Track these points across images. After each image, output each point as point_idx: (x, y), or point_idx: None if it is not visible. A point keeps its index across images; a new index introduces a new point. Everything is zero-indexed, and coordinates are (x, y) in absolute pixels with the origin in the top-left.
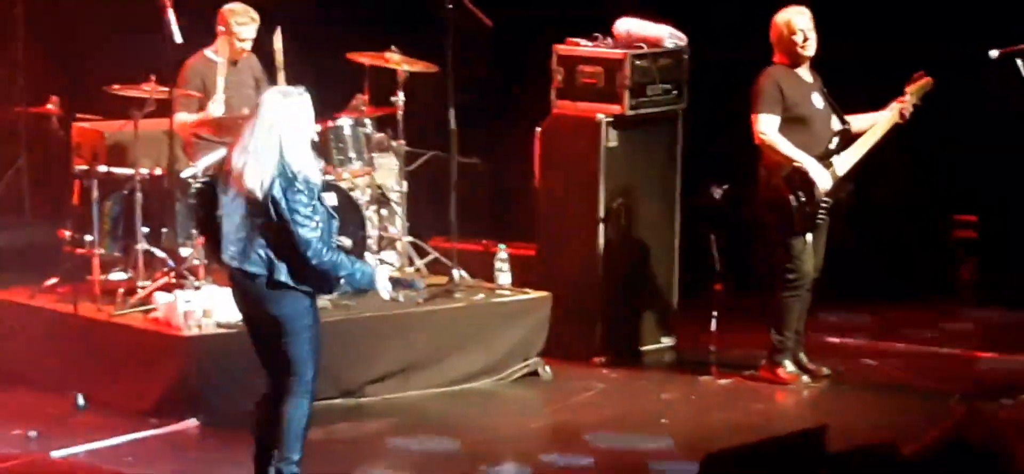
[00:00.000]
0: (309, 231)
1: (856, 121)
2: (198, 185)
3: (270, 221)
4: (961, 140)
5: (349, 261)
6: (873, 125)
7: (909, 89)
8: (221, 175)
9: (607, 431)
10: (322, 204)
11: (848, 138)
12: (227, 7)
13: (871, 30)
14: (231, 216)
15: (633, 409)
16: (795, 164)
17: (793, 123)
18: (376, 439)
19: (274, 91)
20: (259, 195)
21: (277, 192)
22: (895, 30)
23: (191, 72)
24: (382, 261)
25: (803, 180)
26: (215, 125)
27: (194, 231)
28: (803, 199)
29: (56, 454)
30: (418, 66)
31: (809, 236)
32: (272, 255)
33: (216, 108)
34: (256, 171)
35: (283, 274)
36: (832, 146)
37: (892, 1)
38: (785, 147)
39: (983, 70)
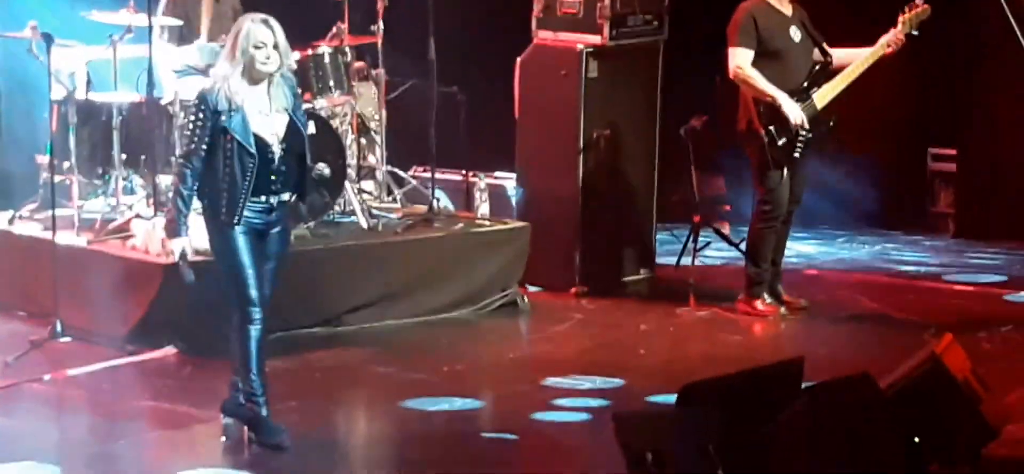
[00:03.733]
0: (179, 145)
1: (842, 54)
2: None
3: None
4: (940, 72)
5: (180, 203)
6: (858, 57)
7: (904, 17)
8: None
9: (585, 361)
10: (238, 139)
11: (828, 71)
12: None
13: None
14: None
15: (611, 340)
16: (768, 98)
17: (768, 57)
18: (355, 368)
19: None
20: None
21: None
22: None
23: (172, 0)
24: (361, 191)
25: (777, 115)
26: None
27: (173, 158)
28: (777, 133)
29: (33, 381)
30: None
31: (785, 170)
32: None
33: (201, 40)
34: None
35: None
36: (808, 81)
37: None
38: (759, 81)
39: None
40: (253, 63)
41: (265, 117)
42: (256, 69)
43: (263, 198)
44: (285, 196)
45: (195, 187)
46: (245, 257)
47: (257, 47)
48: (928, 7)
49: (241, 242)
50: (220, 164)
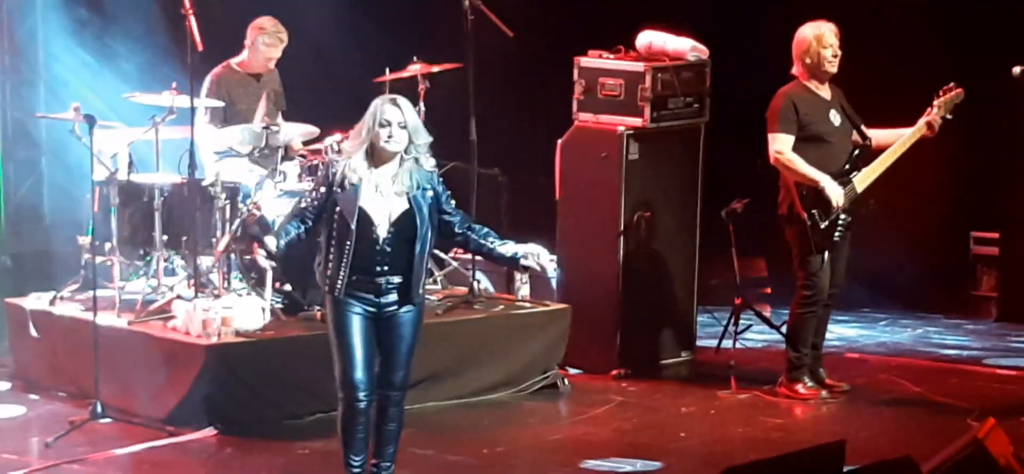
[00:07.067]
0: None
1: (881, 135)
2: None
3: None
4: (983, 155)
5: (281, 230)
6: (897, 139)
7: (938, 101)
8: None
9: (625, 444)
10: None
11: (868, 154)
12: (258, 22)
13: (897, 45)
14: None
15: (651, 422)
16: (810, 182)
17: (810, 141)
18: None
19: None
20: None
21: None
22: (920, 44)
23: (215, 82)
24: None
25: (819, 198)
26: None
27: (214, 239)
28: (819, 217)
29: (73, 462)
30: (439, 67)
31: (826, 253)
32: None
33: (256, 124)
34: None
35: None
36: (849, 164)
37: (918, 15)
38: (800, 165)
39: (1006, 86)
40: (377, 141)
41: (381, 197)
42: (380, 147)
43: (369, 277)
44: (396, 279)
45: (300, 231)
46: (350, 337)
47: (382, 125)
48: (961, 91)
49: (348, 320)
50: (325, 236)
